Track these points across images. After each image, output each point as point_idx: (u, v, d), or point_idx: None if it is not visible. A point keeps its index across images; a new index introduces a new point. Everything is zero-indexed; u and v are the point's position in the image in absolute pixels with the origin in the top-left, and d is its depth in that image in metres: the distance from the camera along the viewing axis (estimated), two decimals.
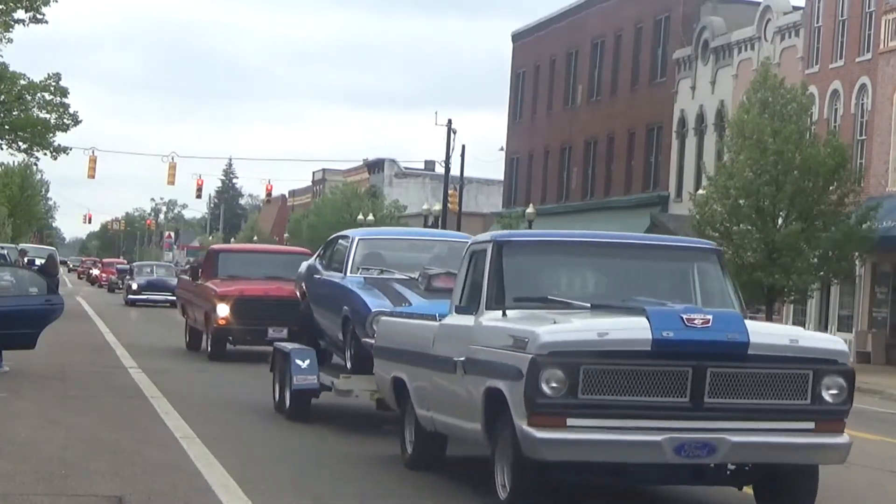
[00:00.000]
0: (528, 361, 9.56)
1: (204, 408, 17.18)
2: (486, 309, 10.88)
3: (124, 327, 36.46)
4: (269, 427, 15.62)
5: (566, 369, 9.48)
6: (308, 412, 16.02)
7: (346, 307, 15.07)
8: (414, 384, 12.14)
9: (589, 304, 10.80)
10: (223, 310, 25.20)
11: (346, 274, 15.75)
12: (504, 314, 10.64)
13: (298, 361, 15.91)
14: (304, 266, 18.65)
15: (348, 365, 15.26)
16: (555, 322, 10.01)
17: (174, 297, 52.99)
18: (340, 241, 17.22)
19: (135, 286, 53.40)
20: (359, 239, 16.52)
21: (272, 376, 17.18)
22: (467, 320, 11.08)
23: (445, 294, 12.82)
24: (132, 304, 52.64)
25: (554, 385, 9.48)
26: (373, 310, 14.19)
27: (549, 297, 10.91)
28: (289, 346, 16.98)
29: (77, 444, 13.02)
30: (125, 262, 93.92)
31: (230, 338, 26.06)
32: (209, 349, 26.38)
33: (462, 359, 10.75)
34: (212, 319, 25.72)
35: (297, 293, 18.84)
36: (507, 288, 10.92)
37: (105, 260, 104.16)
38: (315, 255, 18.54)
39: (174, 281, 53.52)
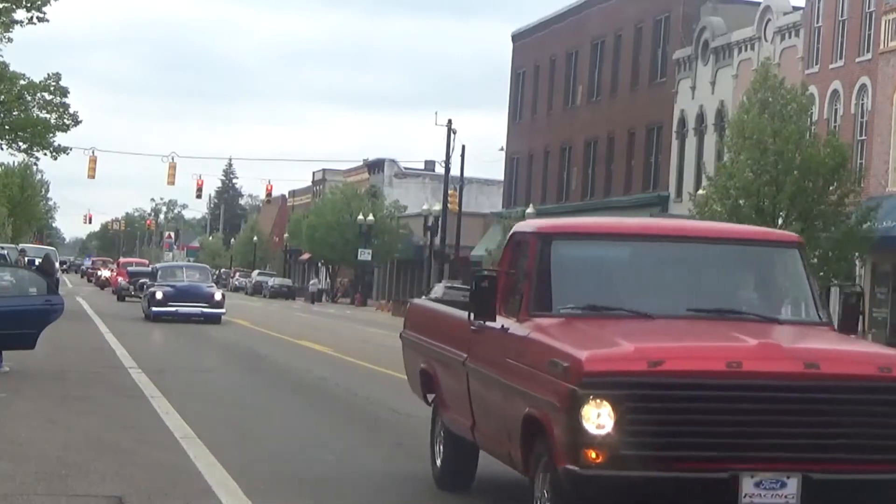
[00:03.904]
0: None
1: (204, 408, 17.18)
2: None
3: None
4: (269, 427, 15.62)
5: None
6: None
7: None
8: None
9: None
10: (601, 417, 8.20)
11: None
12: None
13: None
14: None
15: None
16: None
17: (214, 311, 41.06)
18: None
19: (160, 295, 40.96)
20: None
21: None
22: None
23: None
24: (156, 318, 40.32)
25: None
26: None
27: None
28: None
29: (77, 444, 13.01)
30: (146, 262, 78.72)
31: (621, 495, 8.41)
32: None
33: None
34: (561, 441, 8.40)
35: None
36: None
37: (122, 260, 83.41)
38: None
39: (212, 288, 43.01)
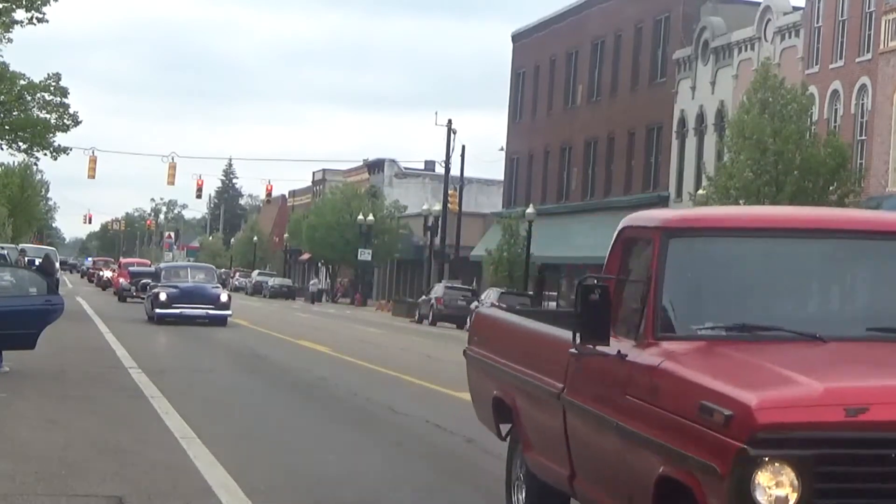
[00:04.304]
0: None
1: (204, 408, 17.17)
2: None
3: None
4: (269, 427, 15.61)
5: None
6: None
7: None
8: None
9: None
10: (780, 487, 5.95)
11: None
12: None
13: None
14: None
15: None
16: None
17: (220, 313, 39.36)
18: None
19: (163, 297, 39.16)
20: None
21: None
22: None
23: None
24: (161, 320, 38.53)
25: None
26: None
27: None
28: None
29: (77, 444, 13.00)
30: (148, 262, 76.52)
31: None
32: None
33: None
34: None
35: None
36: None
37: (123, 260, 79.02)
38: None
39: (217, 289, 41.02)
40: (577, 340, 7.52)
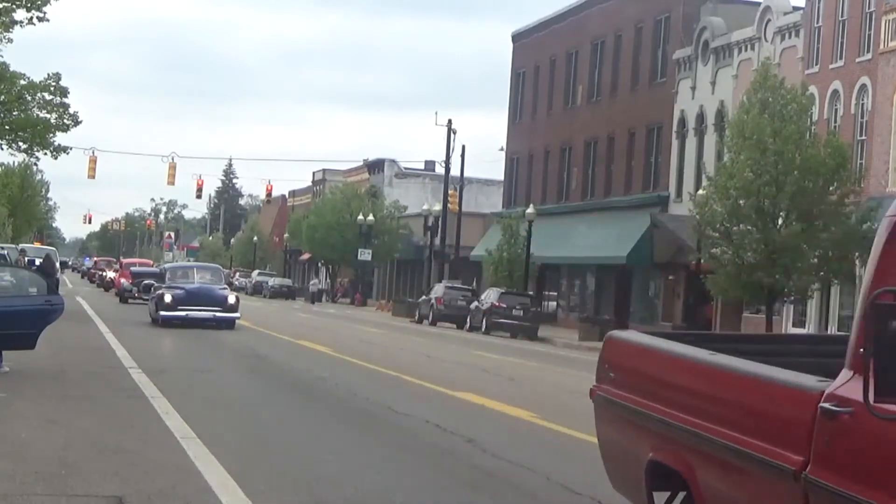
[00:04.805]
0: None
1: (204, 408, 17.16)
2: None
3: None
4: (269, 427, 15.61)
5: None
6: None
7: None
8: None
9: None
10: None
11: None
12: None
13: None
14: None
15: None
16: None
17: (228, 315, 37.90)
18: None
19: (168, 298, 37.42)
20: None
21: None
22: None
23: None
24: (166, 323, 37.06)
25: None
26: None
27: None
28: None
29: (77, 444, 13.00)
30: (150, 262, 76.08)
31: None
32: None
33: None
34: None
35: None
36: None
37: (125, 260, 76.80)
38: None
39: (225, 291, 39.46)
40: (871, 396, 4.78)
